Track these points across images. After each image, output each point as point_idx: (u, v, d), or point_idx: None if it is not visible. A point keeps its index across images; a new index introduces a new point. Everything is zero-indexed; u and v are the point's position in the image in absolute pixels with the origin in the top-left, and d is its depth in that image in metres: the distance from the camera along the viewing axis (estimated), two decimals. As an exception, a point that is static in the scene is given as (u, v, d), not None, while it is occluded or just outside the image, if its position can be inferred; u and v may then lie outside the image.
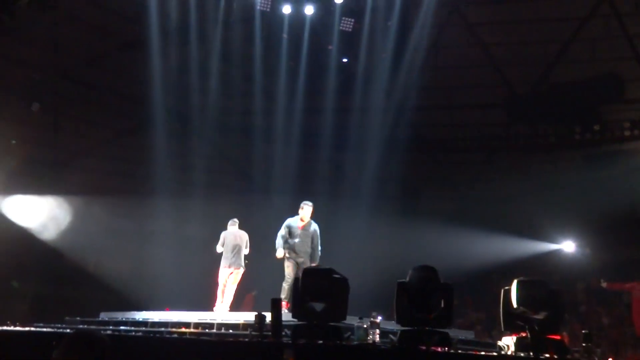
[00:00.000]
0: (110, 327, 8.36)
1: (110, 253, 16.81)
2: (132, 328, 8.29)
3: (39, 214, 15.27)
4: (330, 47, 14.09)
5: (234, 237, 10.32)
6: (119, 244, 15.76)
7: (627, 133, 16.11)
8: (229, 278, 10.11)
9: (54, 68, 14.29)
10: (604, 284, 10.45)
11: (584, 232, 16.34)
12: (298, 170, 15.50)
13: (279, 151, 15.55)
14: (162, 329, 8.09)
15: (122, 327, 8.32)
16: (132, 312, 10.01)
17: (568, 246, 16.93)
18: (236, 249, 10.23)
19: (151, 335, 6.90)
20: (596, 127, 16.21)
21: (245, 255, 10.30)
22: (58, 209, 15.37)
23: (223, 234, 10.47)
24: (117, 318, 9.59)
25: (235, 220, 10.61)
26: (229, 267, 10.11)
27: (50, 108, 14.82)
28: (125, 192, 15.82)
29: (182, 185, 15.46)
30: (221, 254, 10.31)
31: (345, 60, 14.69)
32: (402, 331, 5.06)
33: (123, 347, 5.41)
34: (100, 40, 14.34)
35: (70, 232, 15.74)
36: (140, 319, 9.29)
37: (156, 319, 8.97)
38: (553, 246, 17.10)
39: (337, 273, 5.19)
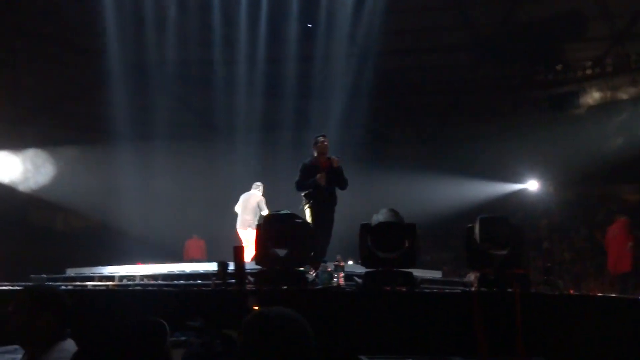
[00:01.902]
0: (76, 283, 8.19)
1: (77, 209, 16.57)
2: (99, 283, 8.14)
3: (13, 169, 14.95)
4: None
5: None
6: (85, 199, 15.49)
7: (588, 72, 16.18)
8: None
9: (8, 23, 13.69)
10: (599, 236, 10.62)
11: (547, 171, 16.54)
12: (262, 119, 15.27)
13: (242, 101, 15.24)
14: (129, 282, 7.97)
15: (88, 283, 8.15)
16: (99, 267, 9.86)
17: (532, 185, 17.15)
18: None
19: (114, 288, 6.75)
20: (559, 67, 16.24)
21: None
22: (32, 163, 15.05)
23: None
24: (83, 273, 9.42)
25: (257, 184, 10.37)
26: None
27: (6, 64, 14.29)
28: (88, 147, 15.48)
29: (145, 139, 15.13)
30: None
31: (309, 25, 14.41)
32: (366, 273, 4.98)
33: (88, 302, 5.28)
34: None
35: (37, 188, 15.46)
36: (108, 274, 9.15)
37: (123, 273, 8.84)
38: (518, 186, 17.31)
39: (299, 217, 5.06)
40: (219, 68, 14.69)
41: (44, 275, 9.35)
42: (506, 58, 15.95)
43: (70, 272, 9.81)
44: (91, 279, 8.74)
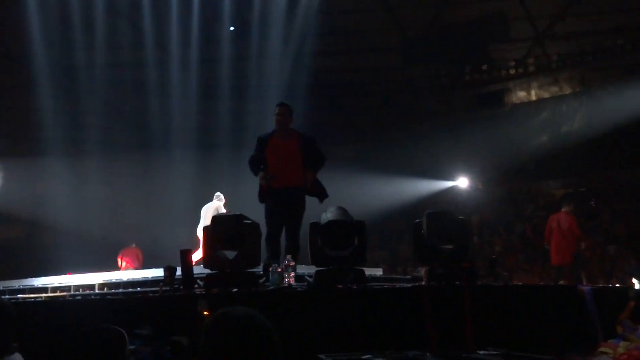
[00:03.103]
0: (7, 296, 7.77)
1: (1, 219, 15.81)
2: (32, 295, 7.74)
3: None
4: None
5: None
6: (10, 208, 14.78)
7: (512, 71, 16.78)
8: None
9: None
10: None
11: (476, 169, 17.02)
12: (197, 122, 15.01)
13: (176, 104, 14.93)
14: (65, 293, 7.63)
15: (19, 295, 7.75)
16: (29, 279, 9.39)
17: (462, 182, 17.60)
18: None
19: (53, 299, 6.44)
20: (484, 67, 16.77)
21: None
22: None
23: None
24: (13, 286, 8.94)
25: (217, 194, 10.11)
26: None
27: None
28: (13, 154, 14.76)
29: (75, 145, 14.57)
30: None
31: (232, 28, 14.30)
32: (317, 271, 4.96)
33: (30, 313, 5.01)
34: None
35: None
36: (39, 285, 8.73)
37: (56, 284, 8.45)
38: (449, 183, 17.73)
39: (247, 218, 4.98)
40: (151, 71, 14.31)
41: (-30, 289, 8.84)
42: (435, 59, 16.31)
43: (-1, 285, 9.32)
44: (22, 291, 8.33)
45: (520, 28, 15.67)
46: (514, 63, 16.69)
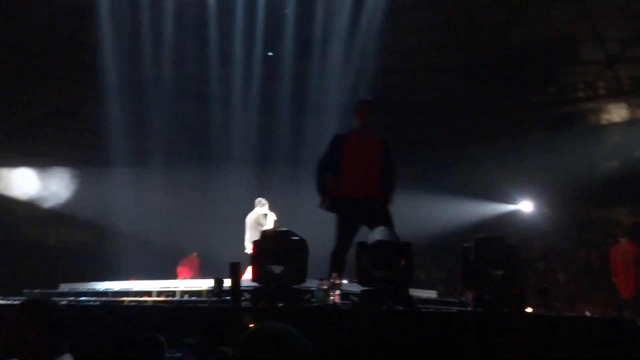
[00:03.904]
0: (70, 298, 8.12)
1: (70, 224, 16.52)
2: (93, 298, 8.06)
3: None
4: (286, 11, 13.79)
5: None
6: (78, 214, 15.45)
7: (581, 94, 16.33)
8: None
9: (3, 36, 13.69)
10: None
11: (541, 193, 16.59)
12: (257, 136, 15.30)
13: (237, 118, 15.28)
14: (124, 298, 7.90)
15: (82, 298, 8.08)
16: (93, 283, 9.79)
17: (526, 206, 17.19)
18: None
19: (109, 304, 6.70)
20: (551, 89, 16.38)
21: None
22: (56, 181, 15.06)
23: None
24: (77, 289, 9.34)
25: (257, 200, 10.30)
26: None
27: (2, 77, 14.29)
28: (82, 162, 15.47)
29: (139, 155, 15.12)
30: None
31: (270, 54, 14.50)
32: (362, 291, 4.98)
33: (82, 317, 5.24)
34: (49, 7, 13.74)
35: (29, 204, 15.43)
36: (101, 289, 9.08)
37: (117, 289, 8.77)
38: (511, 207, 17.35)
39: (295, 235, 5.06)
40: (215, 84, 14.72)
41: (38, 291, 9.30)
42: (499, 79, 16.05)
43: (64, 287, 9.74)
44: (85, 294, 8.68)
45: (590, 50, 15.25)
46: (583, 86, 16.24)
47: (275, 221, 10.03)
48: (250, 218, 10.15)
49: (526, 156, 16.00)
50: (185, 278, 12.94)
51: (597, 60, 15.60)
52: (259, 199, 10.32)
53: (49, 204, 15.38)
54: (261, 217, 10.07)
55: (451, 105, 16.94)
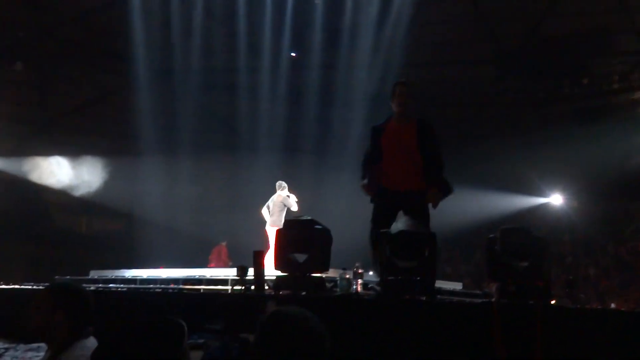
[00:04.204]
0: (99, 285, 8.30)
1: (101, 213, 16.79)
2: (121, 285, 8.24)
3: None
4: (316, 1, 13.76)
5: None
6: (109, 203, 15.71)
7: (615, 86, 15.99)
8: None
9: (37, 26, 13.93)
10: None
11: (571, 186, 16.35)
12: (285, 127, 15.36)
13: (265, 108, 15.36)
14: (151, 285, 8.05)
15: (110, 285, 8.26)
16: (122, 270, 10.00)
17: (556, 199, 16.96)
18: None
19: (135, 290, 6.83)
20: (585, 81, 16.05)
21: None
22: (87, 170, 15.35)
23: None
24: (106, 276, 9.56)
25: (278, 183, 10.53)
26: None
27: (34, 67, 14.55)
28: (113, 151, 15.70)
29: (169, 144, 15.31)
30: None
31: (293, 54, 14.49)
32: (385, 281, 4.96)
33: (108, 303, 5.34)
34: (81, -1, 13.95)
35: (62, 193, 15.72)
36: (130, 276, 9.28)
37: (145, 276, 8.95)
38: (541, 200, 17.15)
39: (318, 224, 5.06)
40: (243, 75, 14.80)
41: (68, 277, 9.53)
42: (531, 71, 15.78)
43: (94, 274, 9.96)
44: (113, 281, 8.86)
45: (625, 41, 14.90)
46: (617, 77, 15.89)
47: (297, 202, 10.24)
48: (275, 200, 10.30)
49: (557, 149, 15.77)
50: (217, 266, 13.11)
51: (633, 52, 15.23)
52: (280, 182, 10.49)
53: (80, 192, 15.67)
54: (286, 199, 10.27)
55: (481, 98, 16.76)
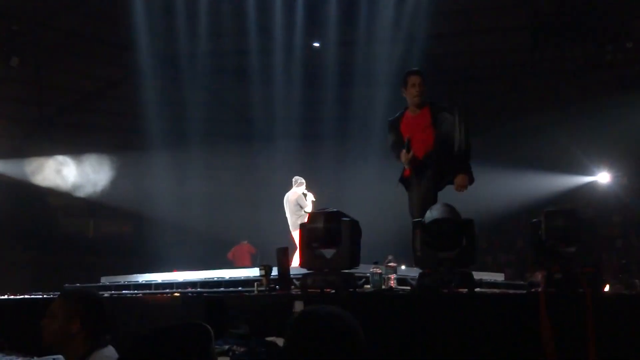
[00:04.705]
0: (112, 292, 8.41)
1: (108, 215, 16.97)
2: (136, 291, 8.33)
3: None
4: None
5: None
6: (116, 205, 15.86)
7: (662, 48, 15.75)
8: None
9: (31, 17, 14.07)
10: None
11: (620, 162, 16.18)
12: (302, 111, 15.34)
13: (279, 92, 15.34)
14: (167, 290, 8.12)
15: (124, 291, 8.36)
16: (135, 275, 10.10)
17: (603, 177, 16.79)
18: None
19: (152, 296, 6.92)
20: (629, 45, 15.82)
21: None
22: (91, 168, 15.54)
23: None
24: (118, 282, 9.66)
25: (295, 179, 10.40)
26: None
27: (31, 61, 14.69)
28: (118, 147, 15.83)
29: (178, 137, 15.40)
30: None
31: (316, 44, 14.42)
32: (420, 274, 4.98)
33: (127, 309, 5.45)
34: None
35: (66, 195, 15.90)
36: (144, 282, 9.35)
37: (160, 281, 9.02)
38: (587, 179, 16.98)
39: (346, 215, 5.08)
40: (254, 58, 14.78)
41: (78, 285, 9.68)
42: (569, 38, 15.57)
43: (105, 280, 10.09)
44: (127, 287, 8.96)
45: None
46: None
47: (313, 202, 10.08)
48: (289, 199, 10.21)
49: (601, 122, 15.57)
50: (241, 267, 13.17)
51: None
52: (296, 177, 10.34)
53: (85, 192, 15.85)
54: (301, 198, 10.10)
55: (517, 69, 16.57)
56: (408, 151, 5.55)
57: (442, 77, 16.36)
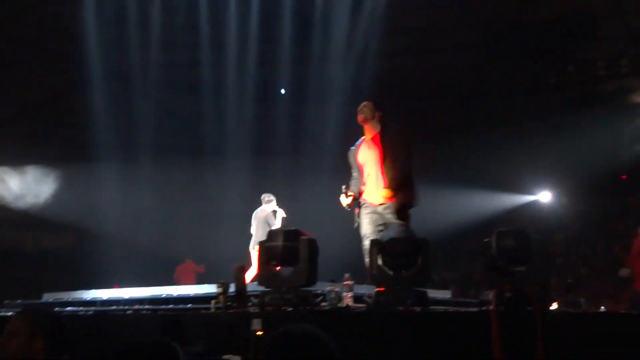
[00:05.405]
0: (56, 309, 8.23)
1: (48, 229, 16.57)
2: (80, 308, 8.17)
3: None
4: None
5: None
6: (58, 217, 15.51)
7: (602, 73, 16.37)
8: None
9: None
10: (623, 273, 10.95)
11: (561, 182, 16.70)
12: (254, 127, 15.36)
13: (232, 107, 15.33)
14: (114, 307, 7.99)
15: (68, 308, 8.19)
16: (79, 292, 9.88)
17: (545, 197, 17.29)
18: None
19: (103, 313, 6.82)
20: (570, 68, 16.41)
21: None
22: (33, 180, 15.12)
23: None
24: (62, 298, 9.43)
25: (263, 196, 10.37)
26: None
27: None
28: (64, 159, 15.52)
29: (127, 150, 15.19)
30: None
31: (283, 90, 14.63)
32: (377, 292, 5.11)
33: (75, 327, 5.37)
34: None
35: (3, 208, 15.49)
36: (88, 298, 9.16)
37: (105, 297, 8.86)
38: (529, 198, 17.45)
39: (304, 233, 5.18)
40: (206, 72, 14.74)
41: (20, 301, 9.41)
42: (517, 60, 16.05)
43: (48, 297, 9.84)
44: (71, 304, 8.77)
45: (612, 26, 15.26)
46: (604, 64, 16.29)
47: (283, 218, 10.09)
48: (258, 216, 10.20)
49: (544, 142, 16.11)
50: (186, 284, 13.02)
51: (619, 36, 15.61)
52: (265, 194, 10.34)
53: (25, 206, 15.47)
54: (270, 216, 10.10)
55: (466, 89, 16.93)
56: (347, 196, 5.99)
57: (391, 95, 16.64)
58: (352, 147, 6.25)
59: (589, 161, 15.39)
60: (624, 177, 16.29)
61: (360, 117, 6.14)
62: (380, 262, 5.09)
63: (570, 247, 15.76)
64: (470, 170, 16.55)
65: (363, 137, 6.22)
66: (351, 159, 6.24)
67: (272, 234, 5.35)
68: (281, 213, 10.11)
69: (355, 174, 6.21)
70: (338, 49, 14.37)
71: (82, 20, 13.37)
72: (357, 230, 6.23)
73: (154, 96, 14.87)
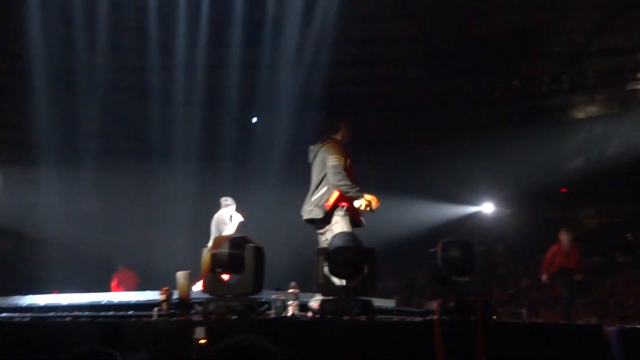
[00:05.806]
0: (-7, 315, 7.96)
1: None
2: (16, 314, 7.91)
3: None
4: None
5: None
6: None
7: (545, 88, 16.80)
8: None
9: None
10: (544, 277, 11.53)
11: (503, 193, 17.06)
12: (201, 132, 15.23)
13: (179, 112, 15.17)
14: (51, 313, 7.78)
15: (3, 314, 7.93)
16: (13, 297, 9.58)
17: (487, 208, 17.63)
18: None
19: (40, 319, 6.61)
20: (515, 83, 16.80)
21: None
22: None
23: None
24: (-4, 304, 9.13)
25: (222, 200, 10.22)
26: None
27: None
28: (2, 161, 15.08)
29: (69, 152, 14.83)
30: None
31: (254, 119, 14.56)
32: (322, 301, 5.11)
33: (8, 335, 5.19)
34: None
35: None
36: (25, 304, 8.90)
37: (43, 303, 8.62)
38: (472, 208, 17.76)
39: (251, 241, 5.15)
40: (154, 75, 14.55)
41: (-49, 308, 9.05)
42: (463, 73, 16.31)
43: (-19, 303, 9.52)
44: (6, 309, 8.51)
45: (555, 42, 15.69)
46: (547, 79, 16.72)
47: (240, 224, 9.97)
48: (215, 220, 10.07)
49: (488, 154, 16.42)
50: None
51: (562, 52, 16.06)
52: (224, 198, 10.23)
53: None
54: (221, 221, 9.97)
55: (413, 100, 17.17)
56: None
57: (340, 105, 16.73)
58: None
59: (531, 174, 15.77)
60: (564, 190, 16.78)
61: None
62: (326, 270, 5.10)
63: (511, 258, 16.08)
64: (416, 181, 16.75)
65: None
66: None
67: (218, 241, 5.29)
68: (238, 218, 10.01)
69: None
70: (288, 55, 14.37)
71: (27, 18, 13.01)
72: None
73: (99, 98, 14.58)
